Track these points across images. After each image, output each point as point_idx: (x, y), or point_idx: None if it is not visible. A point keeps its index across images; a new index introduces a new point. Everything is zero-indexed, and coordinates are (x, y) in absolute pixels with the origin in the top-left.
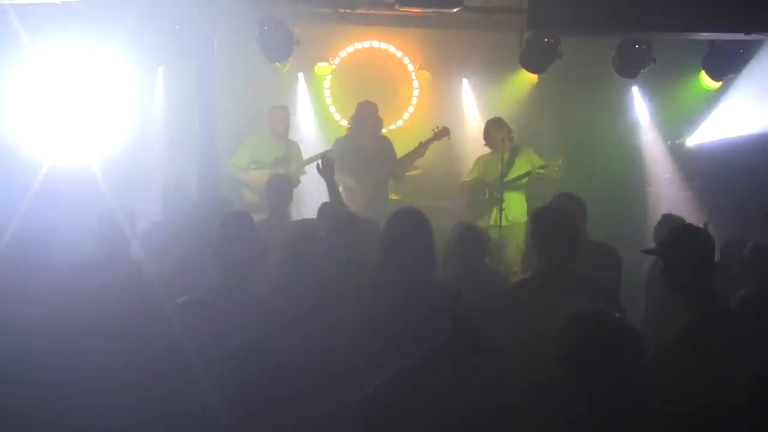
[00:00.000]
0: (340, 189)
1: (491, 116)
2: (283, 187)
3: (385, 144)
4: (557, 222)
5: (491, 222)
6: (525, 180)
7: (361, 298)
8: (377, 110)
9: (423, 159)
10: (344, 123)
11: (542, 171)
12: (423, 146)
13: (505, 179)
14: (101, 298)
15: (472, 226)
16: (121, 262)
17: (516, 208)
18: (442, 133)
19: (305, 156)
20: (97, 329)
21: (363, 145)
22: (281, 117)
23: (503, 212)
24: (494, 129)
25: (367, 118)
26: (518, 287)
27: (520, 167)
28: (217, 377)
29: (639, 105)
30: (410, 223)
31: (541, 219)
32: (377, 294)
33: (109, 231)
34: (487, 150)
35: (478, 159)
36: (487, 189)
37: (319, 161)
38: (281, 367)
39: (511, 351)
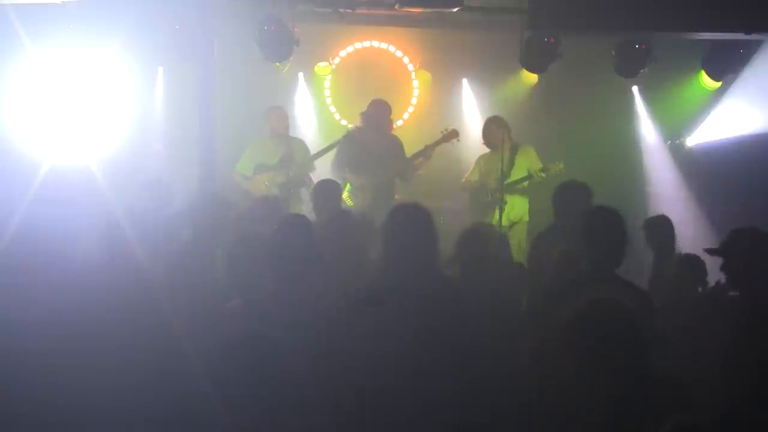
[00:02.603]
0: (346, 187)
1: (493, 115)
2: (329, 191)
3: (395, 143)
4: (610, 223)
5: (493, 222)
6: (526, 183)
7: (367, 295)
8: (391, 111)
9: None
10: (345, 123)
11: (543, 175)
12: (431, 148)
13: (506, 182)
14: (102, 297)
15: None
16: (122, 261)
17: (518, 208)
18: (451, 135)
19: (312, 152)
20: (97, 329)
21: (372, 143)
22: (280, 117)
23: (505, 213)
24: (497, 127)
25: (382, 117)
26: (561, 289)
27: (520, 166)
28: (219, 373)
29: (639, 105)
30: (410, 217)
31: (594, 219)
32: (380, 290)
33: (112, 230)
34: (486, 149)
35: (479, 158)
36: (488, 190)
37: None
38: (286, 368)
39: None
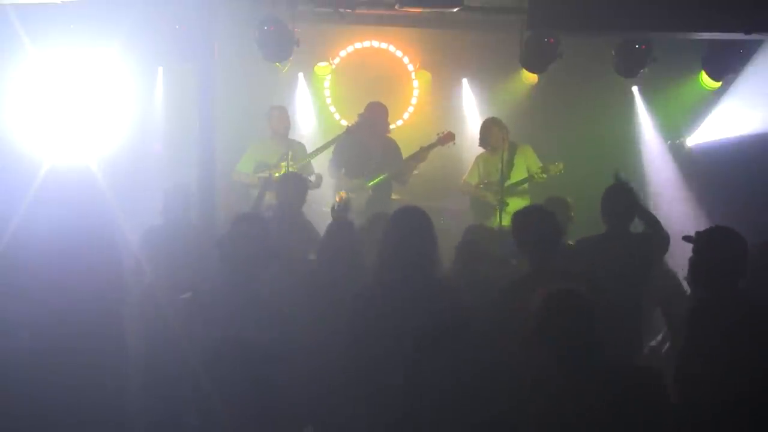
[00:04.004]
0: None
1: (491, 116)
2: (295, 184)
3: (391, 146)
4: (538, 222)
5: (494, 223)
6: (526, 185)
7: (363, 297)
8: (387, 113)
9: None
10: (344, 123)
11: (545, 176)
12: (426, 150)
13: (507, 183)
14: (101, 298)
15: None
16: (122, 262)
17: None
18: (447, 138)
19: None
20: (96, 329)
21: (368, 145)
22: (281, 117)
23: (506, 213)
24: (497, 129)
25: (378, 120)
26: (506, 289)
27: (519, 167)
28: (211, 373)
29: (639, 105)
30: (413, 222)
31: (522, 220)
32: (380, 293)
33: (114, 232)
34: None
35: (478, 158)
36: (489, 193)
37: (335, 202)
38: (276, 366)
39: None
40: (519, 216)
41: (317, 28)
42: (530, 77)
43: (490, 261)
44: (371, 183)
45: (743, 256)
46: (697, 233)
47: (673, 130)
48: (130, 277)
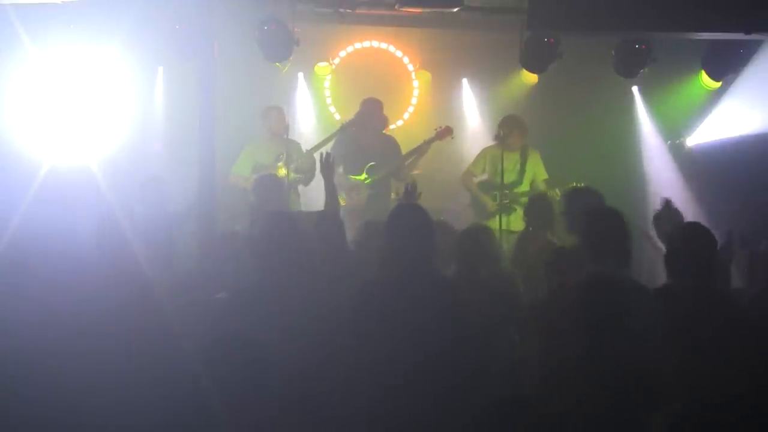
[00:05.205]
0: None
1: (491, 116)
2: (271, 186)
3: (390, 142)
4: (614, 224)
5: (494, 225)
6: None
7: (363, 296)
8: (382, 108)
9: (423, 159)
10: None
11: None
12: (425, 145)
13: (516, 190)
14: (101, 297)
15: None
16: (121, 260)
17: (519, 217)
18: (445, 132)
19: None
20: (96, 329)
21: (366, 142)
22: (279, 117)
23: (505, 218)
24: (502, 127)
25: (372, 115)
26: (569, 289)
27: (529, 173)
28: (212, 372)
29: (639, 105)
30: (412, 221)
31: (597, 220)
32: (380, 292)
33: (110, 230)
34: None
35: (486, 151)
36: (488, 197)
37: (321, 155)
38: (275, 363)
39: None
40: (594, 214)
41: (317, 28)
42: (530, 77)
43: (490, 261)
44: (368, 180)
45: (712, 252)
46: (672, 228)
47: (673, 130)
48: (130, 276)
